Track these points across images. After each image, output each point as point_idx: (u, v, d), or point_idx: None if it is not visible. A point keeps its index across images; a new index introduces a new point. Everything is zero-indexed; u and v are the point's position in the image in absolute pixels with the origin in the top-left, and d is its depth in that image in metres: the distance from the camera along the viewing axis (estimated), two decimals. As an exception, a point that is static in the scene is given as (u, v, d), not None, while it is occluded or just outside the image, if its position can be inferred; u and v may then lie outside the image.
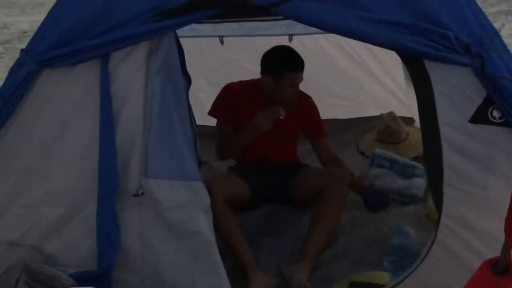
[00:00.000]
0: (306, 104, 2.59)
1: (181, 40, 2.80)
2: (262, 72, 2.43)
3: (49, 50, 1.61)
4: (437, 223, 1.72)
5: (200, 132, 3.30)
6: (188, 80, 1.95)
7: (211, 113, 2.62)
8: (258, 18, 2.53)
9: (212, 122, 3.41)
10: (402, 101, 3.33)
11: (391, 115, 3.19)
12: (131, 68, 1.66)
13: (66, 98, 1.67)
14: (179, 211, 1.71)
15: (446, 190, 1.67)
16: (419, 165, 2.82)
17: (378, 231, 2.38)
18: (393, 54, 1.71)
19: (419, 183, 2.69)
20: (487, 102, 1.61)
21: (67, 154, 1.69)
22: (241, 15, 1.72)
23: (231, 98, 2.52)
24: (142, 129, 1.68)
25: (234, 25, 2.74)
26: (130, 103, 1.67)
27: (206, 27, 2.79)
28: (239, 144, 2.43)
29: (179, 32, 1.79)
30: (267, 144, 2.45)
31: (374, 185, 2.53)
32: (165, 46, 1.67)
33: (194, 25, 2.78)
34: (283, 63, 2.33)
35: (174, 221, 1.71)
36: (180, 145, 1.72)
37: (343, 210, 2.31)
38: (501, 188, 1.62)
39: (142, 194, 1.70)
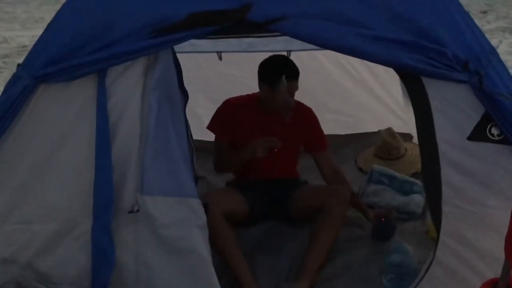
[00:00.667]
0: (307, 116, 2.58)
1: (179, 55, 2.82)
2: (259, 81, 2.43)
3: (46, 65, 1.60)
4: (436, 241, 1.70)
5: (198, 147, 3.28)
6: (185, 95, 1.95)
7: (209, 127, 2.63)
8: (256, 35, 2.55)
9: (210, 137, 3.40)
10: (400, 117, 3.33)
11: (389, 131, 3.18)
12: (128, 84, 1.66)
13: (62, 113, 1.66)
14: (174, 228, 1.69)
15: (445, 207, 1.66)
16: (417, 181, 2.80)
17: (376, 249, 2.35)
18: (391, 70, 1.71)
19: (418, 200, 2.67)
20: (486, 119, 1.60)
21: (62, 169, 1.68)
22: (239, 31, 1.72)
23: (230, 113, 2.52)
24: (138, 145, 1.67)
25: (233, 40, 2.75)
26: (126, 119, 1.66)
27: (205, 43, 2.80)
28: (235, 163, 2.47)
29: (178, 47, 1.79)
30: (267, 160, 2.43)
31: (380, 214, 2.47)
32: (162, 61, 1.67)
33: (192, 41, 2.81)
34: (278, 71, 2.33)
35: (169, 239, 1.69)
36: (176, 161, 1.71)
37: (342, 228, 2.28)
38: (500, 206, 1.61)
39: (138, 210, 1.68)
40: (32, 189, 1.68)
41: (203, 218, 1.73)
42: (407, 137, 3.28)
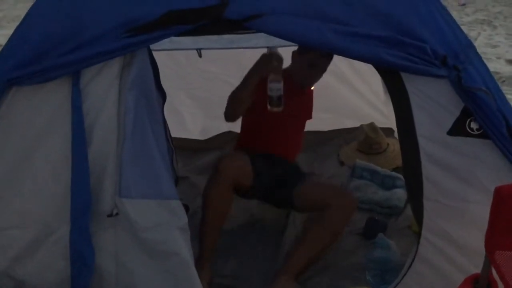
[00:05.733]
0: (312, 91, 2.61)
1: (159, 52, 2.77)
2: (293, 52, 2.41)
3: (17, 68, 1.55)
4: (418, 236, 1.70)
5: (180, 145, 3.27)
6: (163, 95, 1.91)
7: None
8: (236, 32, 2.51)
9: (192, 135, 3.39)
10: (382, 112, 3.33)
11: (371, 125, 3.19)
12: (103, 85, 1.61)
13: (35, 117, 1.61)
14: (155, 231, 1.66)
15: (426, 203, 1.66)
16: (399, 175, 2.81)
17: (359, 244, 2.36)
18: (371, 65, 1.70)
19: (400, 194, 2.68)
20: (465, 114, 1.60)
21: (37, 174, 1.63)
22: (216, 30, 1.69)
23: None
24: (115, 147, 1.63)
25: (213, 37, 2.71)
26: (102, 121, 1.62)
27: (185, 39, 2.76)
28: (245, 87, 2.23)
29: (157, 45, 1.75)
30: (276, 132, 2.40)
31: (373, 216, 2.48)
32: (138, 61, 1.63)
33: (172, 38, 2.77)
34: None
35: (150, 242, 1.66)
36: (155, 163, 1.67)
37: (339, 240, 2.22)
38: (481, 201, 1.61)
39: (117, 214, 1.65)
40: (7, 195, 1.64)
41: (184, 219, 1.70)
42: (389, 132, 3.29)
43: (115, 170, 1.64)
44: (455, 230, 1.66)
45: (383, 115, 3.32)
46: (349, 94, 3.35)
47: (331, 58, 2.39)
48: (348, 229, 2.47)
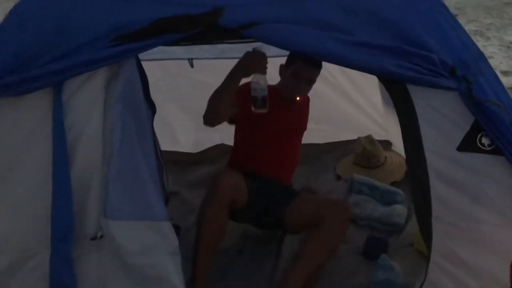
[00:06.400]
0: (307, 101, 2.52)
1: (148, 62, 2.65)
2: (280, 65, 2.33)
3: (-7, 79, 1.43)
4: (427, 259, 1.59)
5: (171, 159, 3.14)
6: (152, 108, 1.80)
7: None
8: (230, 41, 2.41)
9: (183, 148, 3.27)
10: (380, 124, 3.24)
11: (369, 138, 3.09)
12: (88, 97, 1.50)
13: (14, 132, 1.49)
14: (143, 256, 1.54)
15: (435, 224, 1.56)
16: (399, 191, 2.71)
17: (359, 265, 2.24)
18: (369, 75, 1.61)
19: (400, 210, 2.57)
20: (475, 129, 1.50)
21: (15, 194, 1.50)
22: (210, 38, 1.58)
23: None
24: (100, 164, 1.52)
25: (206, 47, 2.61)
26: (87, 136, 1.50)
27: (177, 49, 2.65)
28: (226, 88, 2.10)
29: (148, 54, 1.65)
30: (270, 153, 2.30)
31: (374, 234, 2.37)
32: (125, 72, 1.52)
33: (163, 47, 2.65)
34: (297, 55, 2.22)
35: (137, 267, 1.54)
36: (144, 181, 1.55)
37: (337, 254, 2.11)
38: (492, 221, 1.52)
39: (101, 237, 1.53)
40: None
41: (175, 242, 1.58)
42: (386, 144, 3.19)
43: (100, 190, 1.52)
44: (466, 252, 1.55)
45: (381, 127, 3.23)
46: (346, 105, 3.24)
47: (319, 69, 2.28)
48: (347, 247, 2.36)
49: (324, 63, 2.54)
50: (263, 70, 2.05)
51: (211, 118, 2.17)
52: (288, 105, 2.35)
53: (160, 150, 1.88)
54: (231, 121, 2.37)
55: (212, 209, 1.98)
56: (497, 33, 7.43)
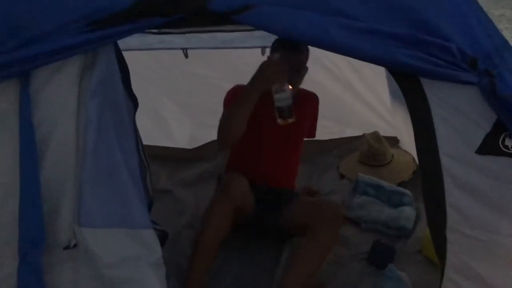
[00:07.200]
0: (311, 102, 2.37)
1: (138, 53, 2.47)
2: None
3: None
4: (440, 275, 1.42)
5: (165, 155, 2.99)
6: (134, 102, 1.63)
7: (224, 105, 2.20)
8: (231, 28, 2.24)
9: (178, 144, 3.10)
10: (387, 120, 3.05)
11: (375, 134, 2.91)
12: (59, 91, 1.33)
13: (-25, 129, 1.33)
14: (122, 268, 1.38)
15: (450, 236, 1.39)
16: (407, 191, 2.54)
17: (364, 272, 2.08)
18: (376, 67, 1.43)
19: (408, 213, 2.40)
20: (498, 129, 1.32)
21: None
22: (197, 24, 1.41)
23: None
24: (74, 166, 1.35)
25: (205, 36, 2.44)
26: (58, 134, 1.33)
27: (174, 38, 2.48)
28: (243, 109, 1.92)
29: (143, 43, 1.48)
30: (270, 160, 2.20)
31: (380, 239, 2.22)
32: (102, 61, 1.35)
33: (162, 36, 2.48)
34: (275, 42, 2.07)
35: (115, 280, 1.38)
36: (123, 185, 1.39)
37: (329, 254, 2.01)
38: (515, 233, 1.34)
39: (75, 246, 1.37)
40: None
41: (158, 253, 1.43)
42: (393, 141, 3.01)
43: (73, 194, 1.36)
44: (484, 268, 1.39)
45: (388, 123, 3.04)
46: (350, 99, 3.05)
47: (305, 53, 2.08)
48: (351, 253, 2.21)
49: (327, 53, 2.35)
50: (283, 78, 1.88)
51: (228, 142, 2.05)
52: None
53: (144, 150, 1.72)
54: None
55: (218, 214, 1.93)
56: (509, 24, 7.21)
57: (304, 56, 2.10)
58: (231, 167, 2.30)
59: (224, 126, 1.98)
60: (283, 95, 1.87)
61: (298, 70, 2.10)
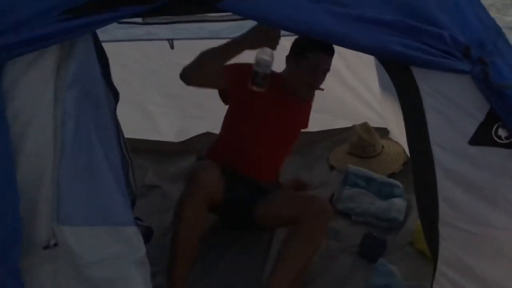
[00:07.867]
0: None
1: (123, 44, 2.39)
2: (288, 56, 2.09)
3: None
4: (433, 270, 1.38)
5: (152, 149, 2.93)
6: (115, 95, 1.57)
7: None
8: (218, 18, 2.17)
9: (165, 137, 3.04)
10: (376, 111, 3.01)
11: (364, 126, 2.87)
12: (35, 83, 1.26)
13: None
14: (104, 267, 1.33)
15: (442, 229, 1.35)
16: (398, 183, 2.51)
17: (355, 266, 2.05)
18: (364, 56, 1.38)
19: (399, 205, 2.37)
20: (491, 119, 1.29)
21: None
22: (179, 12, 1.34)
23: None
24: (52, 161, 1.29)
25: (193, 27, 2.38)
26: (34, 130, 1.27)
27: (160, 29, 2.41)
28: (223, 54, 1.92)
29: (128, 34, 1.42)
30: (252, 150, 2.10)
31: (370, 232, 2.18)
32: (79, 53, 1.28)
33: (148, 27, 2.41)
34: (307, 42, 1.99)
35: (98, 280, 1.34)
36: (104, 180, 1.33)
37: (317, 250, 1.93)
38: (509, 227, 1.31)
39: (55, 245, 1.32)
40: None
41: (142, 251, 1.38)
42: (383, 132, 2.98)
43: (52, 191, 1.30)
44: (478, 263, 1.35)
45: (378, 113, 3.01)
46: (340, 90, 3.00)
47: (332, 53, 2.04)
48: (341, 246, 2.17)
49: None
50: (273, 45, 1.85)
51: (191, 74, 1.95)
52: (292, 104, 2.12)
53: (126, 145, 1.66)
54: (224, 99, 2.15)
55: (190, 207, 1.82)
56: (497, 14, 7.20)
57: (332, 57, 2.06)
58: (215, 151, 2.19)
59: (197, 59, 1.93)
60: (266, 61, 1.84)
61: (326, 71, 2.06)
